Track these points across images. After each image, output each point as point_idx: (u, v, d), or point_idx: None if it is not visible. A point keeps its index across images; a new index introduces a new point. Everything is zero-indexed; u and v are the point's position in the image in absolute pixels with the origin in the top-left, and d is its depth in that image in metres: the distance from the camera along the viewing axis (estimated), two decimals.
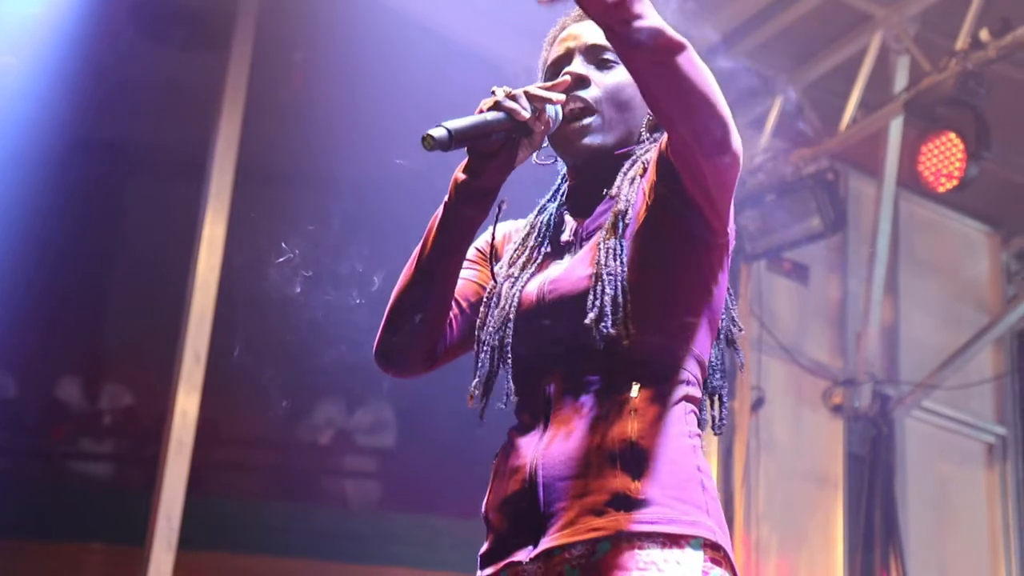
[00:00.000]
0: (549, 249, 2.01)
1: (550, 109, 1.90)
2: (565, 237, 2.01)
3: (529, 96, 1.89)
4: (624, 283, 1.83)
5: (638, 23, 1.70)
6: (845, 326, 6.53)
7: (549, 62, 2.08)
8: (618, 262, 1.85)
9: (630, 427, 1.79)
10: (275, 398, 8.61)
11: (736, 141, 1.82)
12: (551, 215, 2.06)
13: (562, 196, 2.08)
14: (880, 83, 5.86)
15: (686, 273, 1.89)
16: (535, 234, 2.05)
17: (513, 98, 1.87)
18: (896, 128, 5.83)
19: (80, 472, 7.80)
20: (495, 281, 2.01)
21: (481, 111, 1.88)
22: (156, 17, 6.84)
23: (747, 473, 6.06)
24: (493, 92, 1.89)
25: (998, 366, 6.86)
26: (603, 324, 1.81)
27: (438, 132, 1.81)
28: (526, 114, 1.87)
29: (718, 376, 1.98)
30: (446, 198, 1.96)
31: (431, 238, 1.96)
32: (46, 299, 7.29)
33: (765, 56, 6.10)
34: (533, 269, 1.99)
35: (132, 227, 8.85)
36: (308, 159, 8.03)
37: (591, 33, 2.03)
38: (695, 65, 1.75)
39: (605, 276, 1.84)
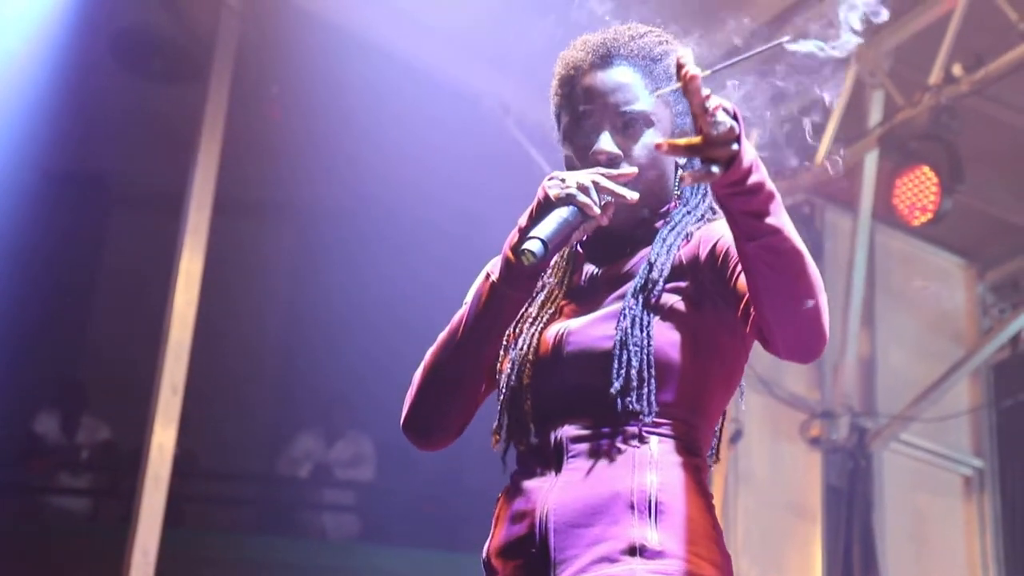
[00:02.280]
0: (566, 291, 1.98)
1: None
2: (582, 282, 1.97)
3: (599, 189, 1.83)
4: (650, 357, 1.82)
5: (769, 220, 1.67)
6: (822, 358, 6.56)
7: (571, 117, 1.98)
8: (645, 333, 1.83)
9: (650, 479, 1.79)
10: (254, 431, 8.62)
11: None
12: (567, 254, 2.02)
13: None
14: (855, 117, 5.90)
15: (712, 355, 1.88)
16: (551, 272, 2.01)
17: (585, 191, 1.82)
18: (871, 162, 5.87)
19: (58, 505, 7.77)
20: (514, 322, 1.98)
21: (545, 195, 1.84)
22: (135, 50, 6.87)
23: (725, 506, 6.06)
24: (563, 180, 1.83)
25: (975, 398, 6.89)
26: (628, 399, 1.81)
27: (535, 246, 1.75)
28: (598, 210, 1.82)
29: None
30: (493, 276, 1.91)
31: (474, 315, 1.92)
32: (23, 331, 7.28)
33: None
34: (550, 312, 1.95)
35: (111, 258, 8.86)
36: (287, 191, 8.06)
37: (613, 92, 1.95)
38: (813, 281, 1.72)
39: (631, 347, 1.82)
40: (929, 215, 5.37)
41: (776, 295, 1.71)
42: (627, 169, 1.89)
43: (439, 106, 6.01)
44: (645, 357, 1.82)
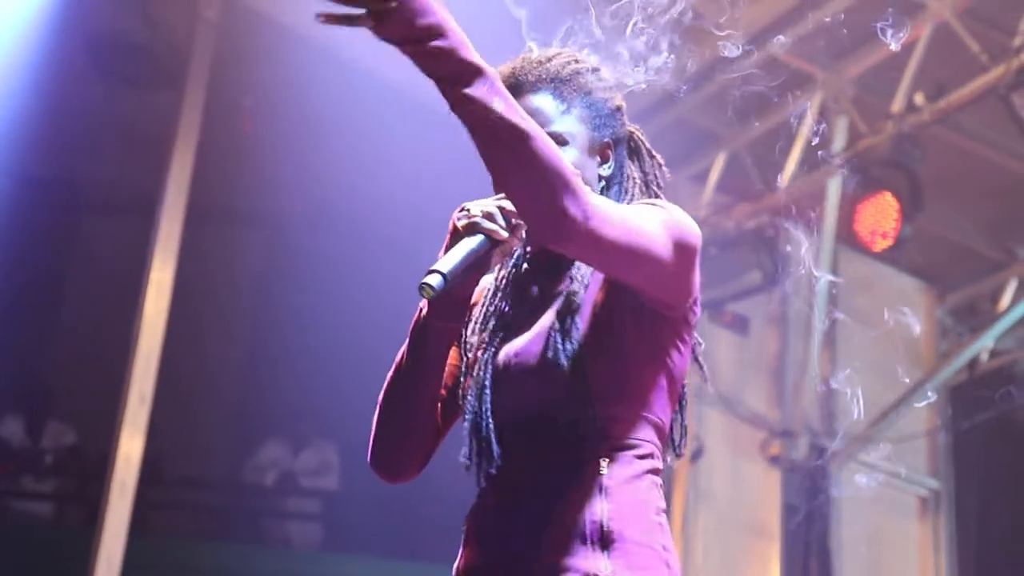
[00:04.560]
0: (514, 312, 2.03)
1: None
2: (529, 300, 2.03)
3: (505, 213, 1.87)
4: (585, 369, 1.87)
5: (465, 90, 1.69)
6: (784, 378, 6.65)
7: None
8: (571, 343, 1.88)
9: (600, 508, 1.84)
10: (221, 439, 8.64)
11: (577, 216, 1.75)
12: (513, 275, 2.07)
13: (524, 256, 2.08)
14: (820, 142, 6.00)
15: (641, 348, 1.92)
16: (500, 295, 2.07)
17: (490, 217, 1.86)
18: (835, 186, 5.97)
19: (23, 510, 7.76)
20: (467, 348, 2.03)
21: (455, 228, 1.88)
22: (112, 56, 6.89)
23: (685, 523, 6.14)
24: (467, 210, 1.88)
25: (932, 420, 7.00)
26: (561, 406, 1.87)
27: (434, 280, 1.78)
28: (505, 234, 1.87)
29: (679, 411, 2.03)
30: (423, 309, 1.97)
31: (412, 350, 1.98)
32: None
33: (710, 111, 6.24)
34: (501, 335, 2.00)
35: (82, 262, 8.86)
36: (259, 200, 8.10)
37: (536, 115, 1.97)
38: (531, 155, 1.72)
39: (562, 358, 1.87)
40: (890, 241, 5.46)
41: (494, 168, 1.76)
42: None
43: (410, 120, 6.07)
44: (573, 364, 1.87)
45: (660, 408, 1.94)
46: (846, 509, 6.54)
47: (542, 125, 1.91)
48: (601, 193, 2.03)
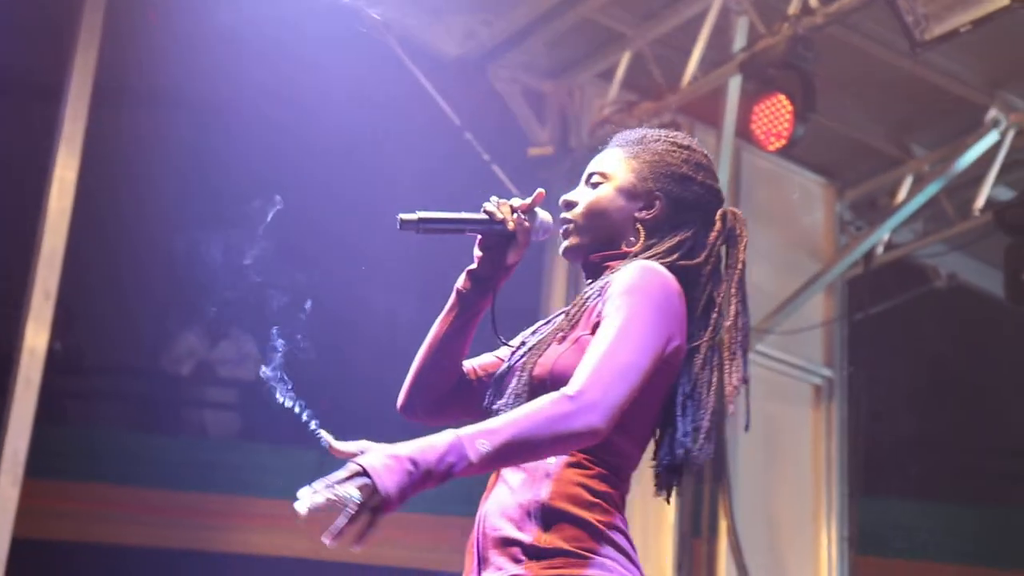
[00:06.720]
0: (548, 330, 2.33)
1: (534, 218, 2.32)
2: (562, 322, 2.35)
3: (515, 207, 2.31)
4: (530, 375, 2.19)
5: (472, 461, 1.97)
6: None
7: None
8: (543, 357, 2.20)
9: (544, 490, 2.14)
10: (139, 330, 8.67)
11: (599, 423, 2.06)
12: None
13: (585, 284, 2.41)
14: (722, 41, 6.09)
15: None
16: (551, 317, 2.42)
17: (497, 205, 2.31)
18: (735, 86, 6.06)
19: None
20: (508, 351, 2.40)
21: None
22: None
23: None
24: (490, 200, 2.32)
25: (828, 312, 7.20)
26: None
27: (409, 216, 2.23)
28: (500, 215, 2.29)
29: (682, 436, 2.30)
30: (460, 281, 2.38)
31: (446, 312, 2.39)
32: None
33: (614, 11, 6.30)
34: (534, 342, 2.31)
35: None
36: (173, 83, 8.01)
37: (594, 163, 2.40)
38: (549, 443, 2.03)
39: (522, 370, 2.22)
40: (783, 142, 5.60)
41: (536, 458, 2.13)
42: (528, 199, 2.34)
43: (319, 20, 6.04)
44: (527, 377, 2.20)
45: (627, 422, 2.15)
46: (741, 397, 6.74)
47: (596, 172, 2.36)
48: (634, 235, 2.33)
